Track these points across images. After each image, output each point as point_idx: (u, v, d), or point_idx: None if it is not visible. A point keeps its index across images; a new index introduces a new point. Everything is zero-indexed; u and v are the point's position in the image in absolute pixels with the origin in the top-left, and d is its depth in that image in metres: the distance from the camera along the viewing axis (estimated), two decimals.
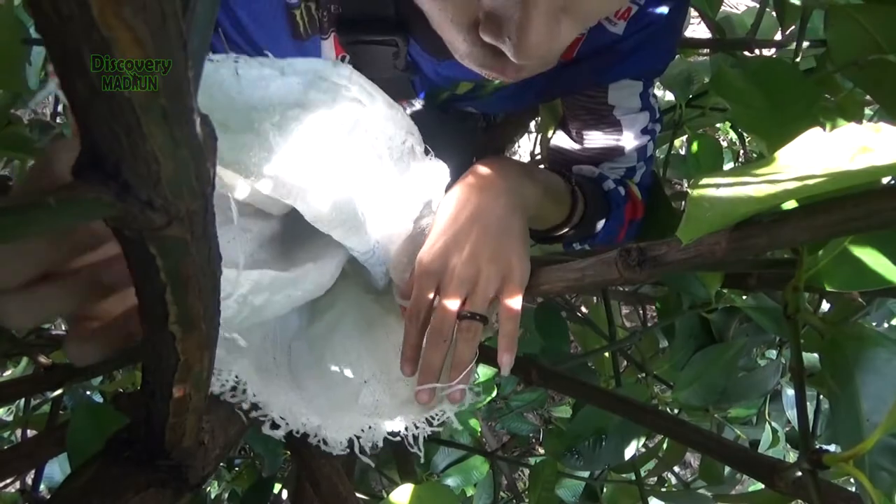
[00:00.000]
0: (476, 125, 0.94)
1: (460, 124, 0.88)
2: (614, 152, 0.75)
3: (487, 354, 0.80)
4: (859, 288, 0.46)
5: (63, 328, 1.99)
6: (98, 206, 0.20)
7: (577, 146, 0.76)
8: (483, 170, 0.60)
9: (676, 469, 1.42)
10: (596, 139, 0.74)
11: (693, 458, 2.31)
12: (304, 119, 0.46)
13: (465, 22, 0.48)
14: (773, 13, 0.88)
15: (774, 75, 0.52)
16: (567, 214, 0.71)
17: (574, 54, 0.66)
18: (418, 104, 0.74)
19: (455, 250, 0.55)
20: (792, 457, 1.17)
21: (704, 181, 0.35)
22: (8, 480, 1.14)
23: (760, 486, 0.50)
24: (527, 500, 1.29)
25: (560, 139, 0.78)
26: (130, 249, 0.24)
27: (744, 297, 0.85)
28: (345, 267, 0.60)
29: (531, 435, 1.93)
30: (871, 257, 0.45)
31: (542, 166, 0.77)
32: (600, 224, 0.75)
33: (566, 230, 0.72)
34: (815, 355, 0.92)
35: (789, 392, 1.11)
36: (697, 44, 0.99)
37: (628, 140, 0.74)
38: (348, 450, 0.52)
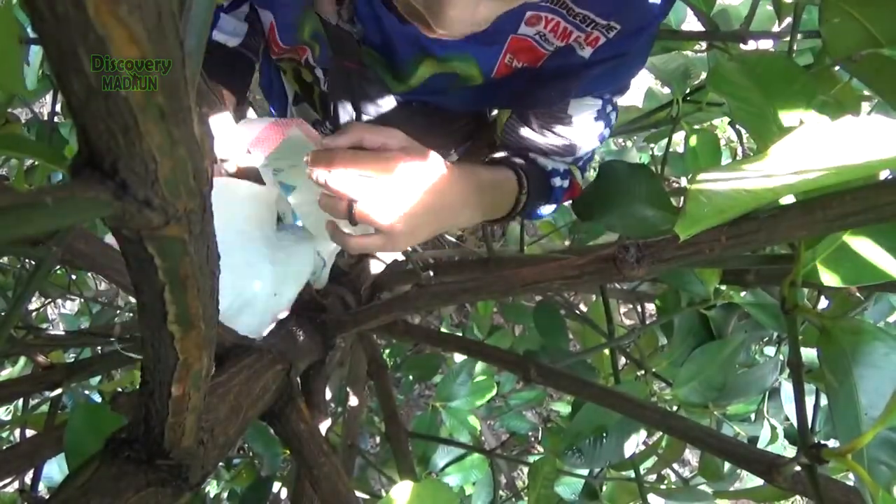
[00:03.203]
0: (464, 125, 0.96)
1: (446, 126, 0.91)
2: (566, 151, 0.80)
3: (488, 354, 0.80)
4: (858, 282, 0.46)
5: (62, 328, 1.99)
6: (96, 205, 0.20)
7: (534, 137, 0.79)
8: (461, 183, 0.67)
9: (676, 466, 1.42)
10: (551, 138, 0.78)
11: (692, 456, 2.32)
12: None
13: None
14: (769, 6, 0.88)
15: (772, 71, 0.52)
16: (508, 212, 0.77)
17: (539, 64, 0.70)
18: (390, 102, 0.77)
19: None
20: (791, 454, 1.17)
21: (702, 177, 0.35)
22: (7, 480, 1.14)
23: (760, 482, 0.50)
24: (526, 498, 1.29)
25: (518, 126, 0.80)
26: (129, 249, 0.24)
27: (742, 294, 0.86)
28: None
29: (530, 433, 1.94)
30: (869, 251, 0.45)
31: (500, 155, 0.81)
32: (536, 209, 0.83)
33: (502, 221, 0.80)
34: (814, 351, 0.92)
35: (788, 388, 1.11)
36: (690, 36, 0.98)
37: (581, 141, 0.79)
38: None
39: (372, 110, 0.79)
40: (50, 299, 1.82)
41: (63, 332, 1.51)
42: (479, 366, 1.59)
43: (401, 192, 0.60)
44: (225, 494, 1.58)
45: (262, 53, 0.83)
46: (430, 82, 0.73)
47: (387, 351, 1.82)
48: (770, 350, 1.26)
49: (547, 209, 0.84)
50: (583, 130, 0.76)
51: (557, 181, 0.80)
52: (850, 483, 0.49)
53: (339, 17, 0.66)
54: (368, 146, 0.61)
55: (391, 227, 0.60)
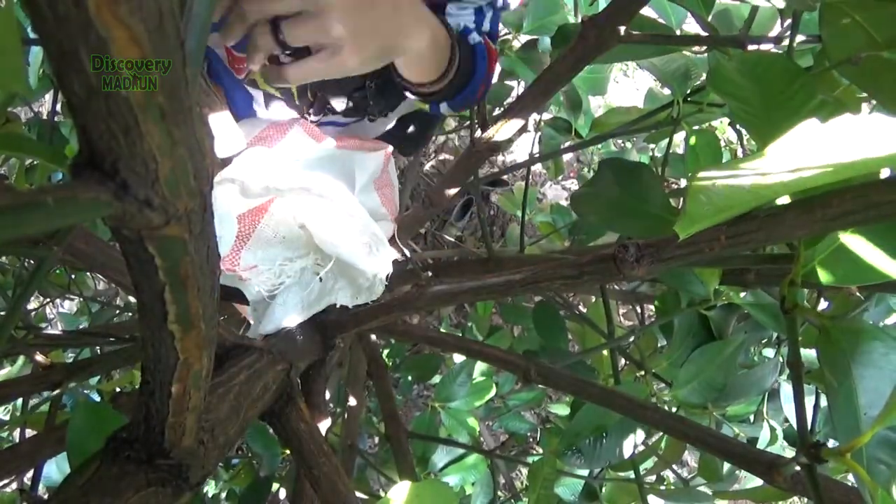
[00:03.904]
0: None
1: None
2: None
3: (488, 354, 0.80)
4: (857, 282, 0.46)
5: (60, 327, 1.99)
6: (96, 205, 0.20)
7: None
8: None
9: (675, 467, 1.42)
10: None
11: (691, 457, 2.32)
12: None
13: None
14: (770, 3, 0.88)
15: (772, 71, 0.52)
16: (444, 70, 0.71)
17: None
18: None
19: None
20: (790, 455, 1.17)
21: (702, 175, 0.35)
22: (6, 480, 1.14)
23: (759, 482, 0.50)
24: (525, 499, 1.29)
25: None
26: (129, 249, 0.24)
27: (742, 294, 0.86)
28: None
29: (529, 434, 1.94)
30: (868, 252, 0.45)
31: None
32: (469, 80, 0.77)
33: (441, 85, 0.73)
34: (814, 352, 0.92)
35: (787, 389, 1.11)
36: (689, 42, 0.98)
37: None
38: None
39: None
40: (49, 299, 1.82)
41: (62, 332, 1.51)
42: (479, 366, 1.60)
43: None
44: (224, 495, 1.58)
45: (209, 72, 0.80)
46: None
47: (386, 351, 1.82)
48: (770, 351, 1.26)
49: (474, 82, 0.77)
50: None
51: (475, 37, 0.76)
52: (850, 483, 0.49)
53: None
54: None
55: (331, 32, 0.53)
